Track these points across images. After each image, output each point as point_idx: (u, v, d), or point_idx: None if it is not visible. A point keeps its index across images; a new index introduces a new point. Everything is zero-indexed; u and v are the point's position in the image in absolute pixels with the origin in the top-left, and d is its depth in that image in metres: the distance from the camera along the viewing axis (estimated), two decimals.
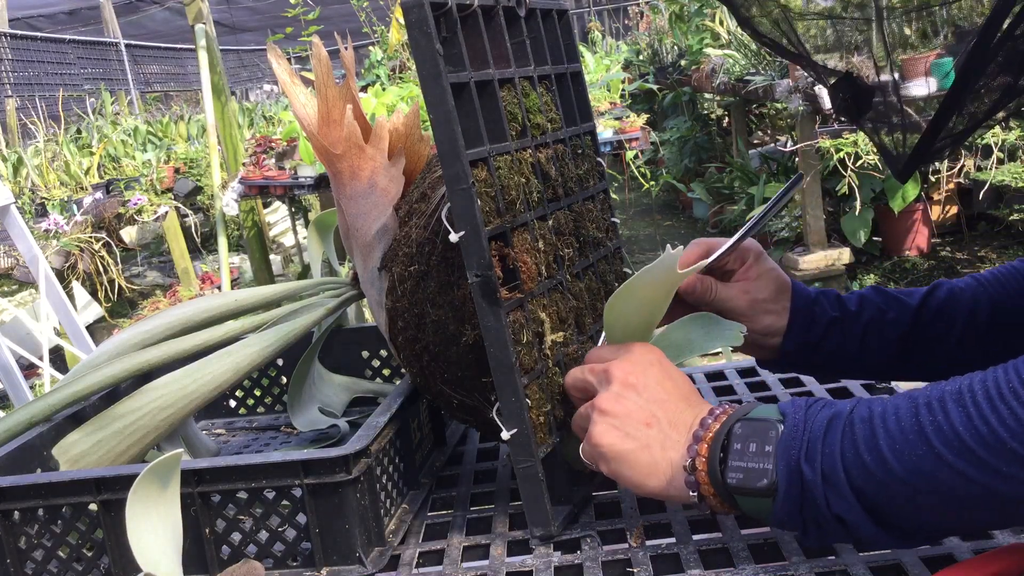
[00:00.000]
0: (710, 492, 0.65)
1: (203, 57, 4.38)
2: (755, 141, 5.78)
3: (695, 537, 0.78)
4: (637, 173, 5.34)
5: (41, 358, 2.64)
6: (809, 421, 0.62)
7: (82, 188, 5.35)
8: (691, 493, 0.66)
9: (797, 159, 4.14)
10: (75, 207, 5.08)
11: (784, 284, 0.89)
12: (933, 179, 4.14)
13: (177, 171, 5.51)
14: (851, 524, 0.60)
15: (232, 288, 4.57)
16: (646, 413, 0.70)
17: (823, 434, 0.61)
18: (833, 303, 0.89)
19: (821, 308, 0.89)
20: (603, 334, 0.83)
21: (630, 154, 4.71)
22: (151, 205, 5.12)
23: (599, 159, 0.99)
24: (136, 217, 5.18)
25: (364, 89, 4.10)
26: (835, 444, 0.60)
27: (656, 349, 0.75)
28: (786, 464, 0.61)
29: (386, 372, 1.24)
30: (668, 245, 0.78)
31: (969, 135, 0.74)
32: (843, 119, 0.89)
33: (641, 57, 6.76)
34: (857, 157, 3.74)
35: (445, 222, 0.78)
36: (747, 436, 0.64)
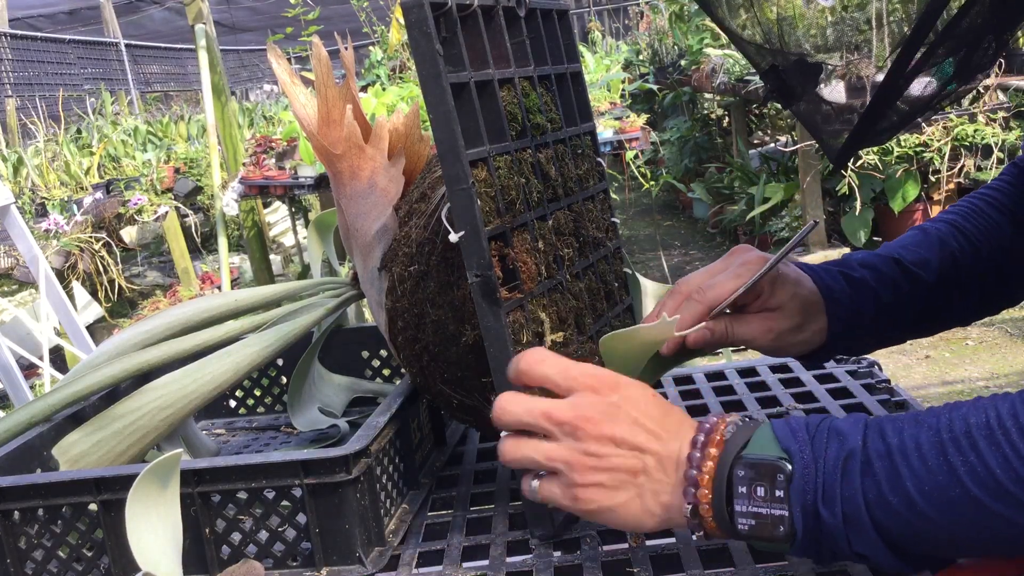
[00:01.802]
0: (717, 533, 0.62)
1: (203, 57, 4.38)
2: (755, 141, 5.78)
3: (695, 537, 0.78)
4: (637, 173, 5.34)
5: (41, 358, 2.64)
6: (819, 459, 0.58)
7: (82, 188, 5.35)
8: (695, 535, 0.63)
9: (797, 159, 4.14)
10: (75, 207, 5.08)
11: (812, 305, 0.81)
12: (933, 179, 4.14)
13: (177, 171, 5.51)
14: (873, 558, 0.58)
15: (232, 288, 4.57)
16: (632, 463, 0.63)
17: (840, 476, 0.57)
18: (868, 301, 0.83)
19: (859, 316, 0.83)
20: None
21: (630, 154, 4.71)
22: (151, 205, 5.12)
23: (599, 159, 0.99)
24: (136, 217, 5.18)
25: (364, 89, 4.10)
26: (855, 486, 0.57)
27: (628, 386, 0.66)
28: (802, 509, 0.58)
29: (386, 372, 1.24)
30: (664, 314, 0.77)
31: (905, 124, 0.73)
32: (777, 103, 0.86)
33: (641, 57, 6.76)
34: (857, 157, 3.74)
35: (445, 222, 0.78)
36: (751, 480, 0.59)
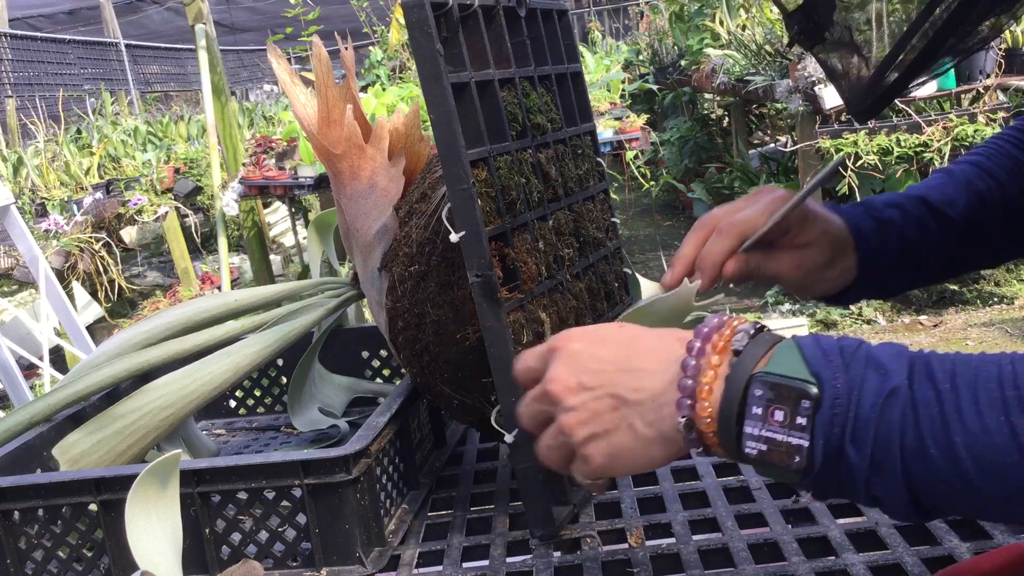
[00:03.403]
0: (720, 452, 0.56)
1: (203, 57, 4.38)
2: (755, 141, 5.78)
3: (695, 537, 0.78)
4: (637, 173, 5.34)
5: (41, 358, 2.64)
6: (854, 391, 0.52)
7: (82, 188, 5.35)
8: (696, 450, 0.57)
9: (797, 159, 4.14)
10: (75, 207, 5.08)
11: (841, 242, 0.78)
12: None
13: (177, 171, 5.50)
14: (885, 503, 0.53)
15: (232, 288, 4.57)
16: (606, 402, 0.59)
17: (877, 415, 0.51)
18: (896, 239, 0.80)
19: (887, 254, 0.80)
20: None
21: (630, 154, 4.71)
22: (151, 205, 5.12)
23: (599, 159, 0.99)
24: (136, 217, 5.18)
25: (364, 89, 4.10)
26: (893, 428, 0.51)
27: (573, 333, 0.63)
28: (825, 443, 0.52)
29: (386, 372, 1.24)
30: (686, 280, 0.76)
31: (926, 67, 0.70)
32: (800, 46, 0.82)
33: (641, 57, 6.76)
34: (857, 157, 3.74)
35: (445, 222, 0.78)
36: (769, 401, 0.53)
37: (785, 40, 3.94)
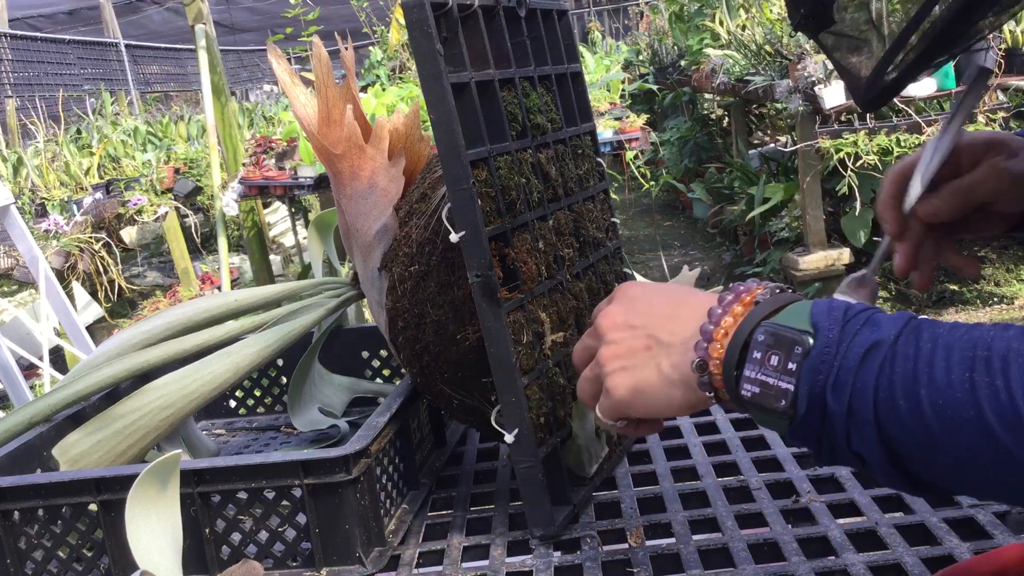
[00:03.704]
0: (726, 397, 0.59)
1: (203, 57, 4.38)
2: (755, 141, 5.78)
3: (695, 537, 0.78)
4: (637, 173, 5.34)
5: (41, 358, 2.64)
6: (844, 343, 0.54)
7: (82, 188, 5.35)
8: (708, 395, 0.60)
9: (797, 159, 4.14)
10: (75, 207, 5.09)
11: None
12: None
13: (177, 171, 5.51)
14: (869, 462, 0.55)
15: (232, 288, 4.57)
16: (642, 340, 0.64)
17: (858, 364, 0.53)
18: None
19: None
20: None
21: (630, 154, 4.71)
22: (151, 205, 5.12)
23: (599, 159, 0.99)
24: (136, 217, 5.18)
25: (364, 89, 4.10)
26: (869, 379, 0.53)
27: (638, 282, 0.69)
28: (809, 389, 0.54)
29: (386, 372, 1.24)
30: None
31: (935, 56, 0.70)
32: (805, 33, 0.82)
33: (641, 57, 6.76)
34: (857, 157, 3.74)
35: (445, 222, 0.78)
36: (769, 346, 0.56)
37: (785, 40, 3.94)
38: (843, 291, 0.78)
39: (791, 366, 0.55)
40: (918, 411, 0.51)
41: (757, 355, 0.56)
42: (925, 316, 0.56)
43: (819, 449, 0.56)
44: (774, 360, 0.56)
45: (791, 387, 0.55)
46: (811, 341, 0.55)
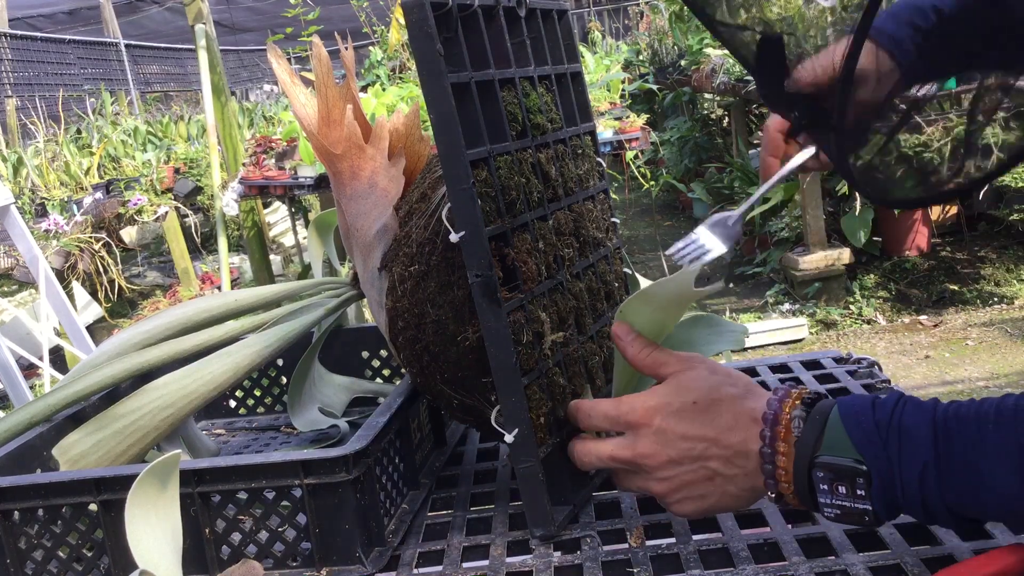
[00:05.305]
0: (806, 508, 0.68)
1: (203, 57, 4.38)
2: (755, 141, 5.77)
3: (695, 537, 0.78)
4: (637, 173, 5.34)
5: (41, 358, 2.64)
6: (894, 465, 0.62)
7: (82, 188, 5.36)
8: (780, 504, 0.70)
9: None
10: (75, 207, 5.09)
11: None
12: (933, 179, 4.13)
13: (177, 171, 5.51)
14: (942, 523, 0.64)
15: (232, 288, 4.57)
16: (700, 473, 0.70)
17: (918, 485, 0.62)
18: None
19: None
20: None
21: (630, 154, 4.71)
22: (151, 205, 5.12)
23: (599, 159, 0.99)
24: (136, 217, 5.19)
25: (364, 89, 4.10)
26: (934, 495, 0.62)
27: (648, 410, 0.71)
28: (884, 506, 0.63)
29: (386, 372, 1.24)
30: (685, 265, 0.77)
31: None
32: (811, 136, 0.86)
33: (641, 57, 6.76)
34: (857, 157, 3.74)
35: (445, 222, 0.78)
36: (831, 480, 0.64)
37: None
38: (705, 229, 0.87)
39: (860, 493, 0.63)
40: (984, 514, 0.63)
41: (824, 487, 0.64)
42: (915, 398, 0.65)
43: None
44: (841, 489, 0.64)
45: (868, 507, 0.63)
46: (864, 468, 0.63)
